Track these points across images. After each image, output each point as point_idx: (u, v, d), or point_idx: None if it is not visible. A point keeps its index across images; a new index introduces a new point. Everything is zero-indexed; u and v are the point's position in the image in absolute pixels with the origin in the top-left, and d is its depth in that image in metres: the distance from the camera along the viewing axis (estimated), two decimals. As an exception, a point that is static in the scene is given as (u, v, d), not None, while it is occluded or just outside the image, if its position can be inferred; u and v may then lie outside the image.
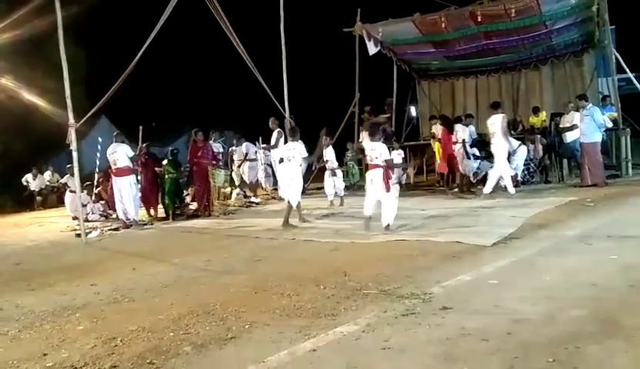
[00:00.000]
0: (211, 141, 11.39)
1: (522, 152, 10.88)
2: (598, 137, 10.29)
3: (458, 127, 11.30)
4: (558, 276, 4.32)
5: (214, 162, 11.05)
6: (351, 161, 13.45)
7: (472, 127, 11.59)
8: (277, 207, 11.02)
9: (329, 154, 10.52)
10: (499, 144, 9.72)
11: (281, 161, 8.61)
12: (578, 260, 4.79)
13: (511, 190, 9.79)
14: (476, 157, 11.39)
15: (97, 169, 12.39)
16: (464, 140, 11.03)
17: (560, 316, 3.38)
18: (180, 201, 11.32)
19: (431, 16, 12.56)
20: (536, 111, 13.17)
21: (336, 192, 10.37)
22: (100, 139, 11.75)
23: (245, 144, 13.58)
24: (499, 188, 10.39)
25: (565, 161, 11.90)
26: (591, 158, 10.30)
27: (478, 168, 11.44)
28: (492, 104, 10.85)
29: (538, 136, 11.67)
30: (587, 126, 10.26)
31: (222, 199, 12.47)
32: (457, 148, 11.12)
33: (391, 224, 6.93)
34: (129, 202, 9.85)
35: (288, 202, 8.22)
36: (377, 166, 6.92)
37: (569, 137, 10.99)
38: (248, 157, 13.39)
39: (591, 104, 10.51)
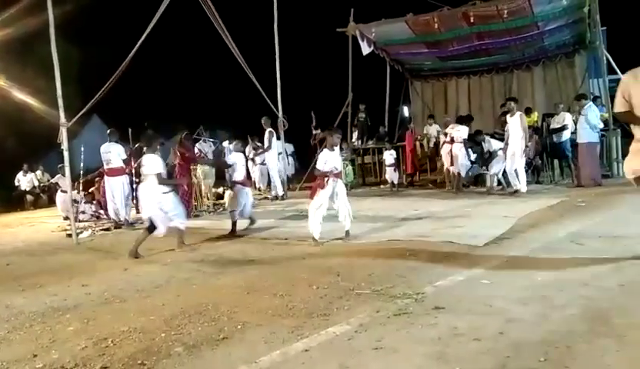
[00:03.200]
0: (201, 140, 11.34)
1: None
2: (591, 137, 10.32)
3: (459, 127, 11.26)
4: (550, 276, 4.33)
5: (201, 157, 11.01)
6: (345, 160, 13.47)
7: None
8: (270, 208, 11.02)
9: (233, 158, 8.18)
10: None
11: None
12: (569, 260, 4.81)
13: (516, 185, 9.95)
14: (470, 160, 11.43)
15: (81, 172, 12.24)
16: (464, 139, 11.03)
17: (551, 315, 3.39)
18: None
19: (424, 17, 12.59)
20: (528, 111, 13.23)
21: (242, 212, 7.99)
22: (82, 148, 11.58)
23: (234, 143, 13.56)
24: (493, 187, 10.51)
25: (557, 161, 11.97)
26: (584, 159, 10.36)
27: (471, 169, 11.48)
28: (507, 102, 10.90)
29: (535, 136, 11.72)
30: (581, 126, 10.32)
31: (214, 198, 12.47)
32: (455, 148, 11.08)
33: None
34: (121, 202, 9.80)
35: (177, 228, 6.84)
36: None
37: (558, 137, 11.05)
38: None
39: (590, 103, 10.50)
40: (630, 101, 4.38)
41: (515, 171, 9.96)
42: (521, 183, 9.89)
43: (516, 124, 9.67)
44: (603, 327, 3.13)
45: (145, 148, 7.01)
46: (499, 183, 10.91)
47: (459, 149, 10.98)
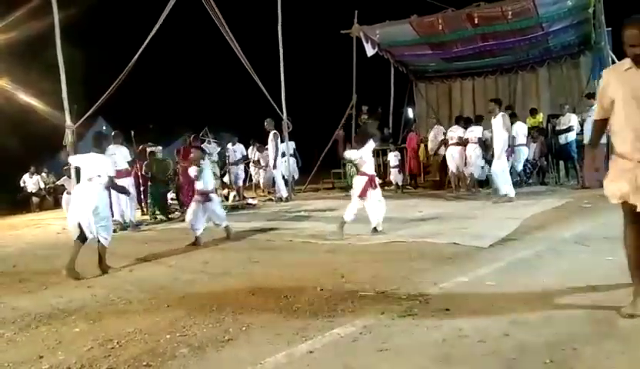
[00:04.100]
0: (206, 142, 11.39)
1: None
2: None
3: (474, 127, 11.19)
4: (555, 277, 4.32)
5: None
6: (349, 161, 13.47)
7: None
8: (275, 209, 11.03)
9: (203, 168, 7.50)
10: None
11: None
12: (574, 262, 4.79)
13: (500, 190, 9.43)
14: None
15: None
16: (480, 138, 10.97)
17: (557, 317, 3.38)
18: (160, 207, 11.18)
19: (428, 18, 12.60)
20: (533, 112, 13.21)
21: (215, 222, 7.50)
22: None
23: (238, 145, 13.66)
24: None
25: (562, 162, 11.92)
26: (589, 160, 10.31)
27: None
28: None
29: (542, 137, 11.68)
30: (588, 127, 10.27)
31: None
32: (470, 149, 10.96)
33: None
34: (126, 204, 9.82)
35: (98, 242, 5.97)
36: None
37: (564, 138, 11.01)
38: (239, 160, 13.47)
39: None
40: (607, 104, 3.48)
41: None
42: (501, 186, 9.34)
43: (498, 126, 9.29)
44: (608, 329, 3.12)
45: (94, 148, 6.27)
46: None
47: (473, 150, 10.87)
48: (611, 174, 3.50)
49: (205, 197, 7.36)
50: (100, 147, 6.34)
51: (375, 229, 6.91)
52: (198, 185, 7.43)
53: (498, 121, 9.35)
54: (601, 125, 3.68)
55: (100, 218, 5.90)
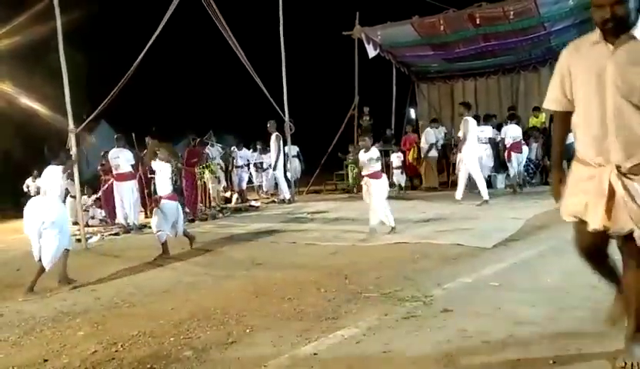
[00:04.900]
0: (209, 146, 11.41)
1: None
2: None
3: (484, 127, 11.07)
4: (559, 277, 4.31)
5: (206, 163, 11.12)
6: (352, 163, 13.48)
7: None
8: (278, 211, 11.03)
9: (157, 167, 7.18)
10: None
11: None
12: (578, 262, 4.74)
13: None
14: None
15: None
16: (490, 138, 10.93)
17: (561, 318, 3.38)
18: None
19: (430, 19, 12.58)
20: (536, 110, 13.17)
21: (174, 230, 7.03)
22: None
23: (244, 151, 13.73)
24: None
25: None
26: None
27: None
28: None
29: (542, 137, 11.67)
30: None
31: (222, 202, 12.52)
32: (481, 149, 10.79)
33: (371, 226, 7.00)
34: (130, 207, 9.84)
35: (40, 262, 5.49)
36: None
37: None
38: (244, 163, 13.51)
39: None
40: (570, 91, 2.74)
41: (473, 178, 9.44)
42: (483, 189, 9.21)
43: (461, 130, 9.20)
44: (613, 330, 3.10)
45: (51, 160, 5.74)
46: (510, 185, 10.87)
47: (484, 150, 10.81)
48: (568, 186, 2.83)
49: (157, 202, 7.00)
50: (55, 158, 5.78)
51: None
52: (160, 189, 7.02)
53: (461, 125, 9.28)
54: (564, 119, 2.90)
55: (47, 234, 5.42)
